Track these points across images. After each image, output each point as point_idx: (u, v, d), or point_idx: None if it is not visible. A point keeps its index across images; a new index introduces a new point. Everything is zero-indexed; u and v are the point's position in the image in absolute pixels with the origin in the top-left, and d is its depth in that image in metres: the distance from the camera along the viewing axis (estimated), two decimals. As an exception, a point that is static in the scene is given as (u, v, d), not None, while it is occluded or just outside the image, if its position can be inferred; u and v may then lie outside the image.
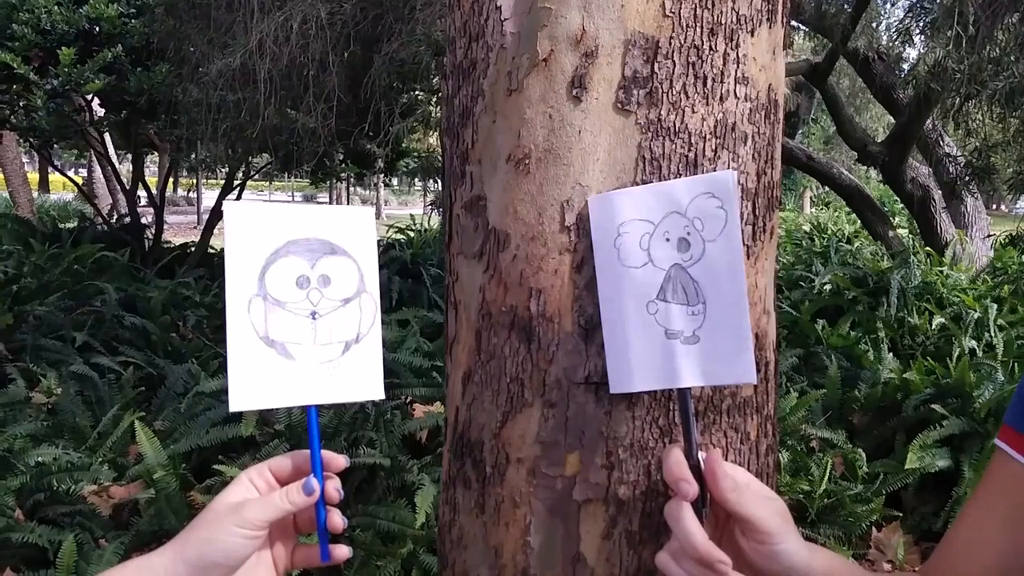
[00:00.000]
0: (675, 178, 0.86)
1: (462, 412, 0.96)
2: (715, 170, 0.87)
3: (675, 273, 0.78)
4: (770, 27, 0.90)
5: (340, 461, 0.83)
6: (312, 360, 0.83)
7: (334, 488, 0.81)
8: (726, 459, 0.88)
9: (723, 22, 0.86)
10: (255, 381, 0.81)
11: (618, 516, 0.86)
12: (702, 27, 0.85)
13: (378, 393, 0.86)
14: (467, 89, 0.95)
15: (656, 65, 0.85)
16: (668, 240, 0.78)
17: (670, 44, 0.85)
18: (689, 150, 0.85)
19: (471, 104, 0.94)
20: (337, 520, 0.82)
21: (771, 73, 0.91)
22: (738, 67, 0.87)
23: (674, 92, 0.85)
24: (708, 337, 0.76)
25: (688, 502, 0.73)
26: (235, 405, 0.80)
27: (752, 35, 0.88)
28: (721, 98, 0.86)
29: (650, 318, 0.78)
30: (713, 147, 0.86)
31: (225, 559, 0.74)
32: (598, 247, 0.82)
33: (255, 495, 0.79)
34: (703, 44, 0.85)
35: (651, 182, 0.85)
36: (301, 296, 0.83)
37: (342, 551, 0.83)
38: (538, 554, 0.89)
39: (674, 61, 0.85)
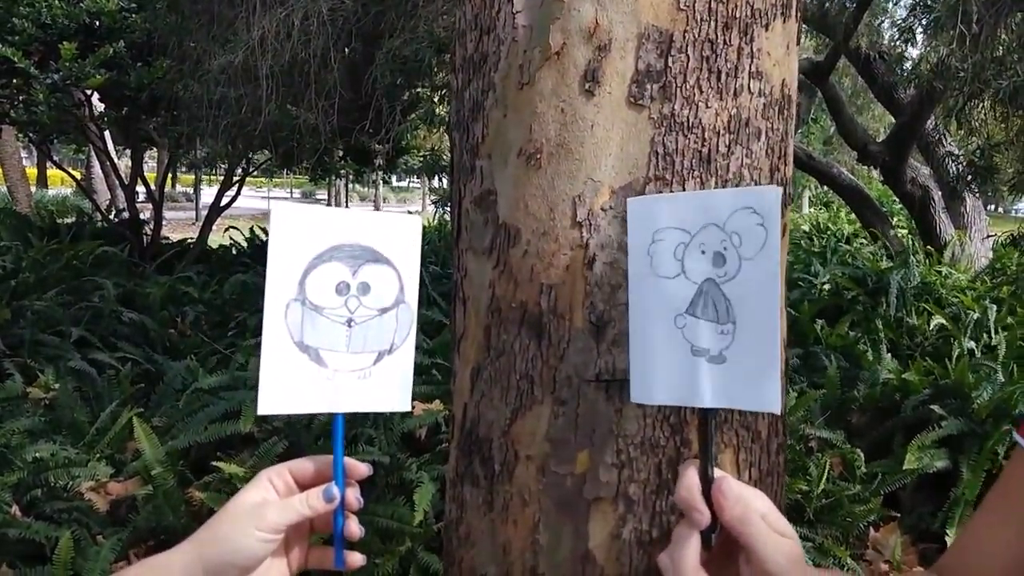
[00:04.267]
0: (688, 174, 0.85)
1: (470, 409, 0.95)
2: (728, 166, 0.86)
3: (708, 288, 0.74)
4: (784, 21, 0.89)
5: (362, 469, 0.83)
6: (343, 368, 0.82)
7: (354, 496, 0.81)
8: (737, 458, 0.87)
9: (737, 16, 0.85)
10: (285, 386, 0.80)
11: (628, 515, 0.85)
12: (716, 21, 0.84)
13: (405, 405, 0.85)
14: (478, 83, 0.94)
15: (670, 59, 0.84)
16: (704, 253, 0.74)
17: (684, 38, 0.84)
18: (703, 145, 0.84)
19: (482, 98, 0.93)
20: (354, 528, 0.82)
21: (785, 68, 0.90)
22: (752, 62, 0.86)
23: (688, 86, 0.84)
24: (735, 359, 0.73)
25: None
26: (264, 409, 0.80)
27: (767, 29, 0.87)
28: (735, 93, 0.85)
29: (677, 332, 0.75)
30: (727, 142, 0.85)
31: (242, 560, 0.74)
32: (632, 251, 0.78)
33: (274, 496, 0.79)
34: (717, 38, 0.84)
35: (663, 177, 0.84)
36: (339, 303, 0.82)
37: (356, 558, 0.83)
38: (546, 552, 0.88)
39: (688, 55, 0.84)
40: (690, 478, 0.72)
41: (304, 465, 0.82)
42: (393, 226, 0.85)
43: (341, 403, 0.82)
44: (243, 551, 0.74)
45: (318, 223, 0.82)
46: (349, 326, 0.82)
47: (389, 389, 0.84)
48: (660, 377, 0.76)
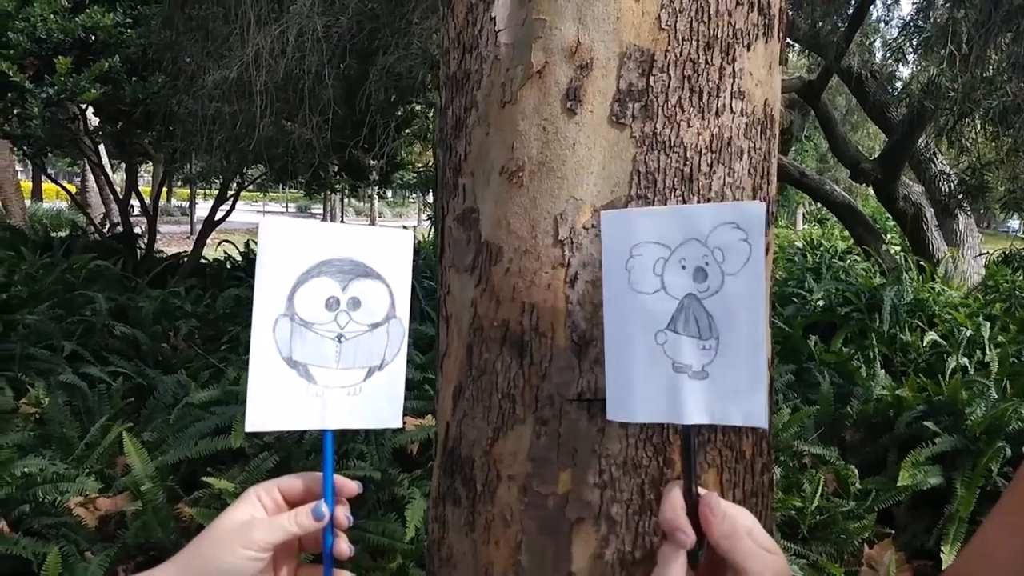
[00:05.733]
0: (670, 192, 0.85)
1: (452, 428, 0.94)
2: (710, 185, 0.86)
3: (688, 304, 0.73)
4: (766, 42, 0.89)
5: (352, 487, 0.81)
6: (333, 384, 0.81)
7: (343, 515, 0.79)
8: (721, 478, 0.87)
9: (719, 36, 0.85)
10: (274, 403, 0.79)
11: (610, 535, 0.85)
12: (698, 41, 0.84)
13: (396, 422, 0.84)
14: (460, 100, 0.94)
15: (652, 78, 0.84)
16: (684, 268, 0.73)
17: (666, 57, 0.84)
18: (684, 164, 0.85)
19: (464, 116, 0.93)
20: (344, 547, 0.80)
21: (767, 88, 0.90)
22: (734, 81, 0.86)
23: (669, 106, 0.84)
24: (718, 374, 0.72)
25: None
26: (251, 426, 0.79)
27: (748, 49, 0.87)
28: (717, 112, 0.85)
29: (658, 348, 0.74)
30: (709, 162, 0.85)
31: None
32: (607, 267, 0.77)
33: (262, 514, 0.78)
34: (699, 58, 0.85)
35: (646, 196, 0.84)
36: (329, 318, 0.81)
37: None
38: (529, 573, 0.87)
39: (670, 74, 0.84)
40: (674, 498, 0.71)
41: (293, 482, 0.81)
42: (384, 241, 0.84)
43: (331, 420, 0.81)
44: (229, 571, 0.73)
45: (307, 238, 0.81)
46: (339, 341, 0.81)
47: (380, 405, 0.83)
48: (640, 394, 0.75)
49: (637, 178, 0.84)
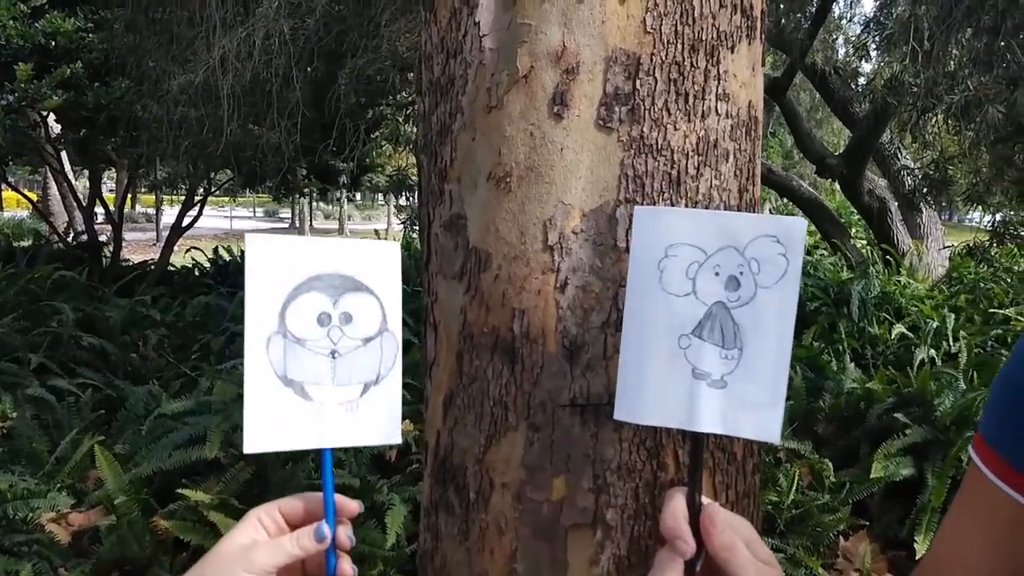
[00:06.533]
0: (658, 196, 0.85)
1: (444, 436, 0.94)
2: (698, 187, 0.86)
3: (717, 311, 0.72)
4: (749, 43, 0.90)
5: (353, 506, 0.81)
6: (330, 401, 0.80)
7: (346, 535, 0.79)
8: (713, 480, 0.87)
9: (704, 38, 0.85)
10: (271, 422, 0.78)
11: (606, 541, 0.84)
12: (683, 43, 0.85)
13: (395, 437, 0.83)
14: (445, 106, 0.93)
15: (638, 82, 0.84)
16: (717, 275, 0.72)
17: (651, 61, 0.84)
18: (672, 167, 0.85)
19: (449, 121, 0.93)
20: (347, 568, 0.79)
21: (751, 89, 0.91)
22: (719, 84, 0.86)
23: (656, 109, 0.84)
24: (737, 385, 0.72)
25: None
26: (250, 447, 0.77)
27: (732, 51, 0.87)
28: (703, 115, 0.86)
29: (680, 352, 0.73)
30: (696, 164, 0.86)
31: None
32: (636, 262, 0.75)
33: (263, 536, 0.77)
34: (684, 61, 0.85)
35: (634, 200, 0.84)
36: (321, 334, 0.80)
37: None
38: (524, 581, 0.87)
39: (656, 78, 0.84)
40: (676, 506, 0.71)
41: (294, 504, 0.80)
42: (371, 253, 0.83)
43: (329, 438, 0.80)
44: None
45: (294, 253, 0.80)
46: (333, 357, 0.80)
47: (378, 421, 0.82)
48: (654, 397, 0.73)
49: (625, 182, 0.84)
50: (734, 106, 0.88)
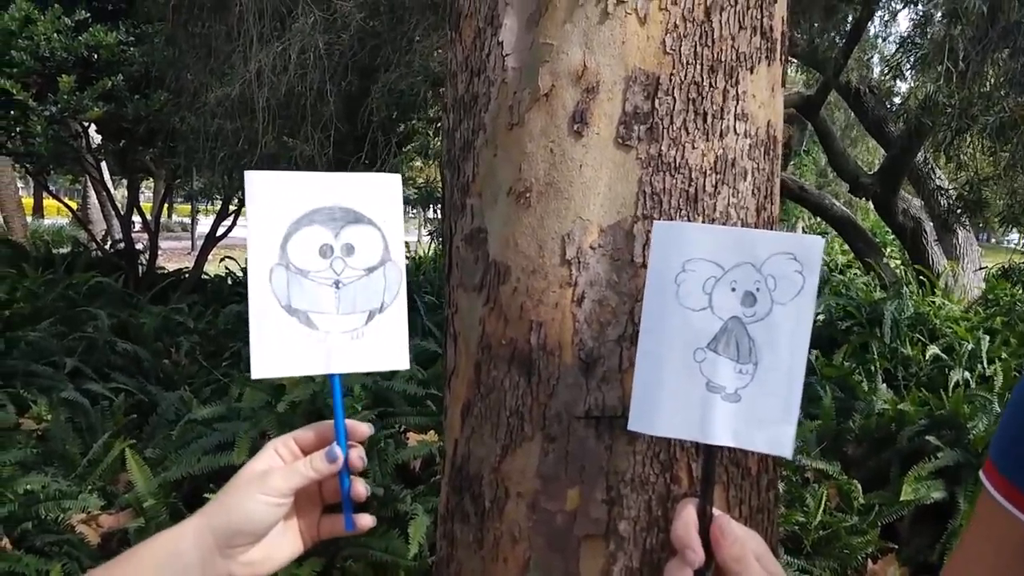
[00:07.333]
0: (676, 213, 0.86)
1: (461, 445, 0.95)
2: (715, 205, 0.87)
3: (732, 326, 0.73)
4: (769, 65, 0.91)
5: (363, 429, 0.83)
6: (335, 329, 0.82)
7: (357, 456, 0.81)
8: (727, 495, 0.87)
9: (723, 59, 0.87)
10: (278, 349, 0.80)
11: (618, 552, 0.85)
12: (702, 64, 0.86)
13: (403, 363, 0.84)
14: (468, 123, 0.96)
15: (656, 101, 0.85)
16: (734, 290, 0.73)
17: (670, 81, 0.86)
18: (689, 185, 0.86)
19: (472, 137, 0.95)
20: (360, 488, 0.82)
21: (770, 110, 0.92)
22: (738, 104, 0.88)
23: (674, 128, 0.86)
24: (750, 400, 0.72)
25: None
26: (257, 373, 0.80)
27: (752, 72, 0.89)
28: (721, 134, 0.87)
29: (695, 365, 0.74)
30: (713, 182, 0.87)
31: (250, 526, 0.75)
32: (653, 275, 0.76)
33: (279, 463, 0.80)
34: (703, 81, 0.86)
35: (652, 216, 0.86)
36: (324, 265, 0.82)
37: (366, 520, 0.83)
38: (537, 590, 0.88)
39: (674, 97, 0.86)
40: (687, 516, 0.72)
41: (307, 433, 0.83)
42: (372, 185, 0.84)
43: (336, 364, 0.82)
44: (251, 517, 0.75)
45: (294, 187, 0.82)
46: (337, 288, 0.82)
47: (384, 347, 0.84)
48: (668, 409, 0.74)
49: (643, 199, 0.85)
50: (753, 125, 0.89)
